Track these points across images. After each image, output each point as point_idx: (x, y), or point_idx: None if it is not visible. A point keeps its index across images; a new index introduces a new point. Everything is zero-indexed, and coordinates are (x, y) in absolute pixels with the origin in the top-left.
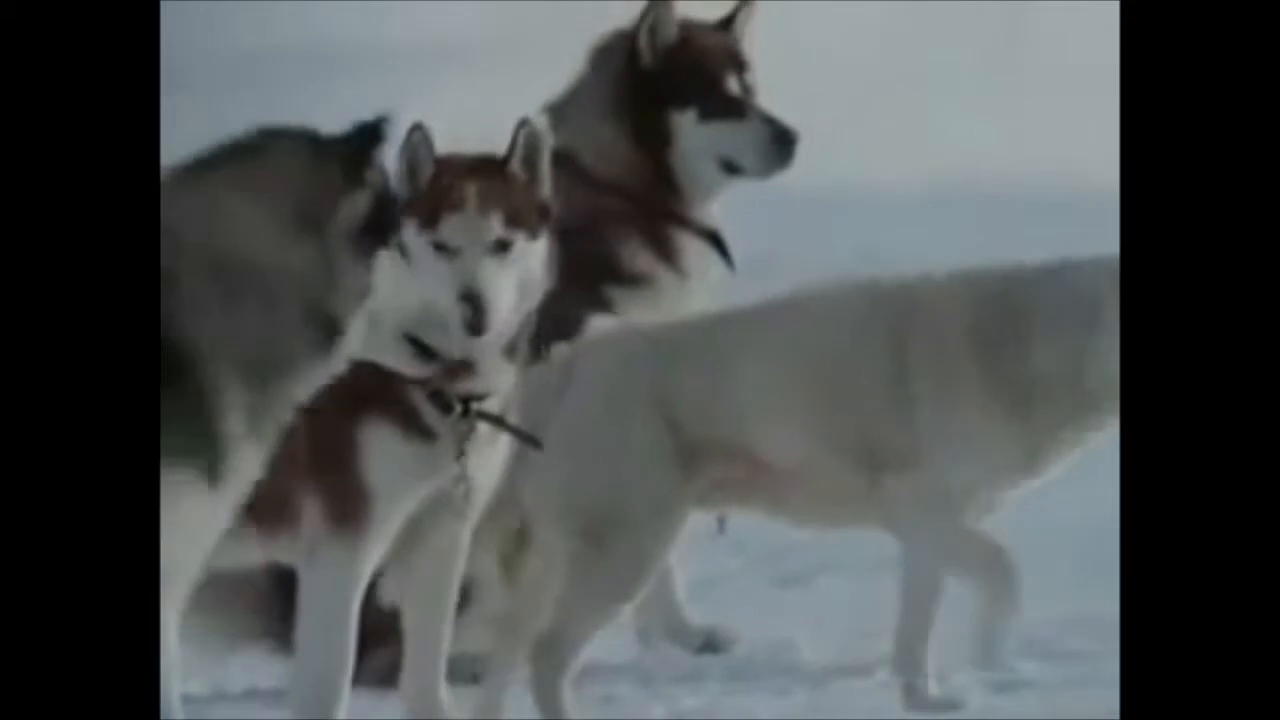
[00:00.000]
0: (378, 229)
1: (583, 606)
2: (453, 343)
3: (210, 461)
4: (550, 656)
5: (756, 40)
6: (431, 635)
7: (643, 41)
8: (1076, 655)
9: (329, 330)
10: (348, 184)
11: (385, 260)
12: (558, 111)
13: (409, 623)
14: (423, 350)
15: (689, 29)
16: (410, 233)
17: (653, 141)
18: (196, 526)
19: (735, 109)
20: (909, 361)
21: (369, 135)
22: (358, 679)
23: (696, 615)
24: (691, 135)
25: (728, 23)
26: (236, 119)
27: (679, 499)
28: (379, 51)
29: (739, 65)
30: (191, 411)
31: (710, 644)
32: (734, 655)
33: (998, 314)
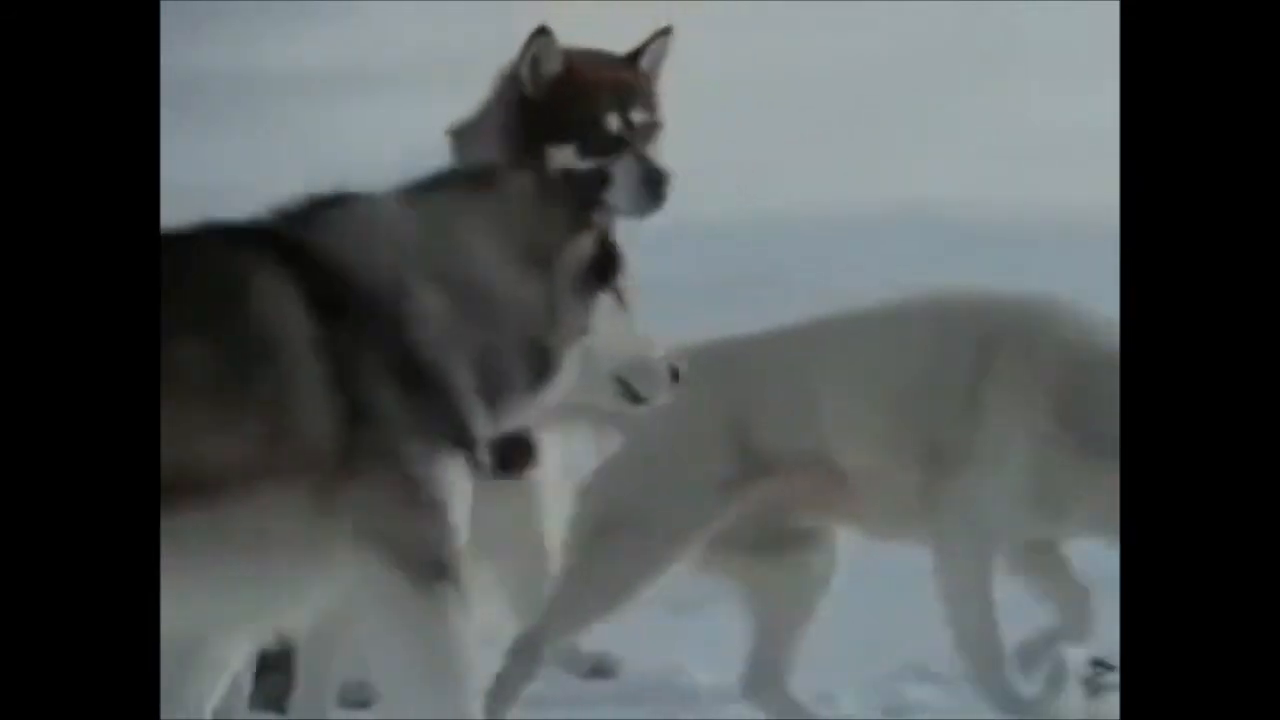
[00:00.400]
0: (601, 271)
1: (569, 604)
2: (659, 389)
3: (470, 455)
4: (526, 656)
5: (671, 72)
6: (323, 661)
7: (524, 73)
8: (966, 679)
9: (544, 365)
10: (574, 225)
11: (605, 302)
12: (459, 135)
13: (302, 648)
14: (631, 394)
15: (576, 61)
16: None
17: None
18: (465, 508)
19: (611, 147)
20: (986, 383)
21: (596, 178)
22: (250, 702)
23: (586, 640)
24: (569, 170)
25: (635, 55)
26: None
27: (700, 527)
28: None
29: (625, 101)
30: (448, 410)
31: (600, 669)
32: (625, 680)
33: (1082, 387)
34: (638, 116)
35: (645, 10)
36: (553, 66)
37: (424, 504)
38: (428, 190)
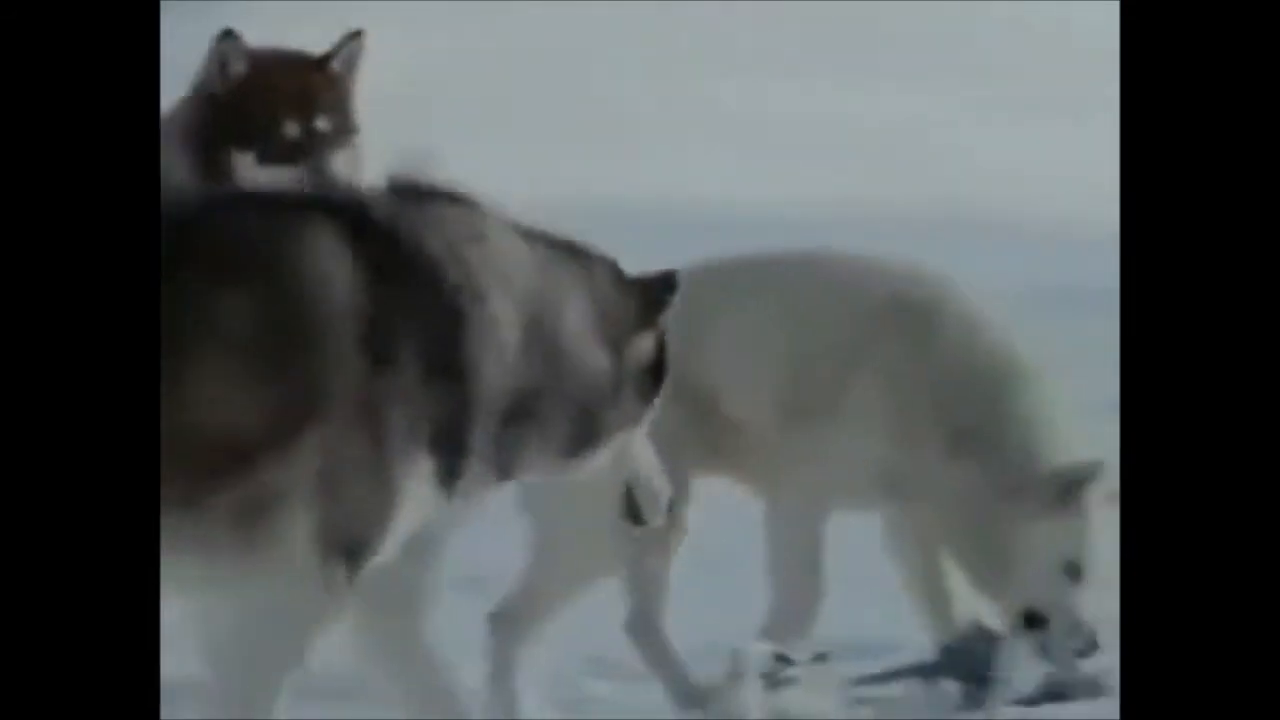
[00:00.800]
0: (658, 374)
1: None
2: (657, 514)
3: (448, 466)
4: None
5: (368, 75)
6: None
7: (212, 74)
8: (641, 675)
9: (590, 437)
10: (641, 322)
11: (657, 407)
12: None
13: None
14: (632, 508)
15: (261, 64)
16: None
17: (218, 177)
18: (413, 517)
19: (288, 155)
20: (869, 356)
21: (665, 284)
22: None
23: None
24: (248, 177)
25: (325, 59)
26: None
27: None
28: None
29: (308, 107)
30: (451, 416)
31: None
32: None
33: (962, 383)
34: (322, 124)
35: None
36: (239, 68)
37: (372, 491)
38: (538, 238)
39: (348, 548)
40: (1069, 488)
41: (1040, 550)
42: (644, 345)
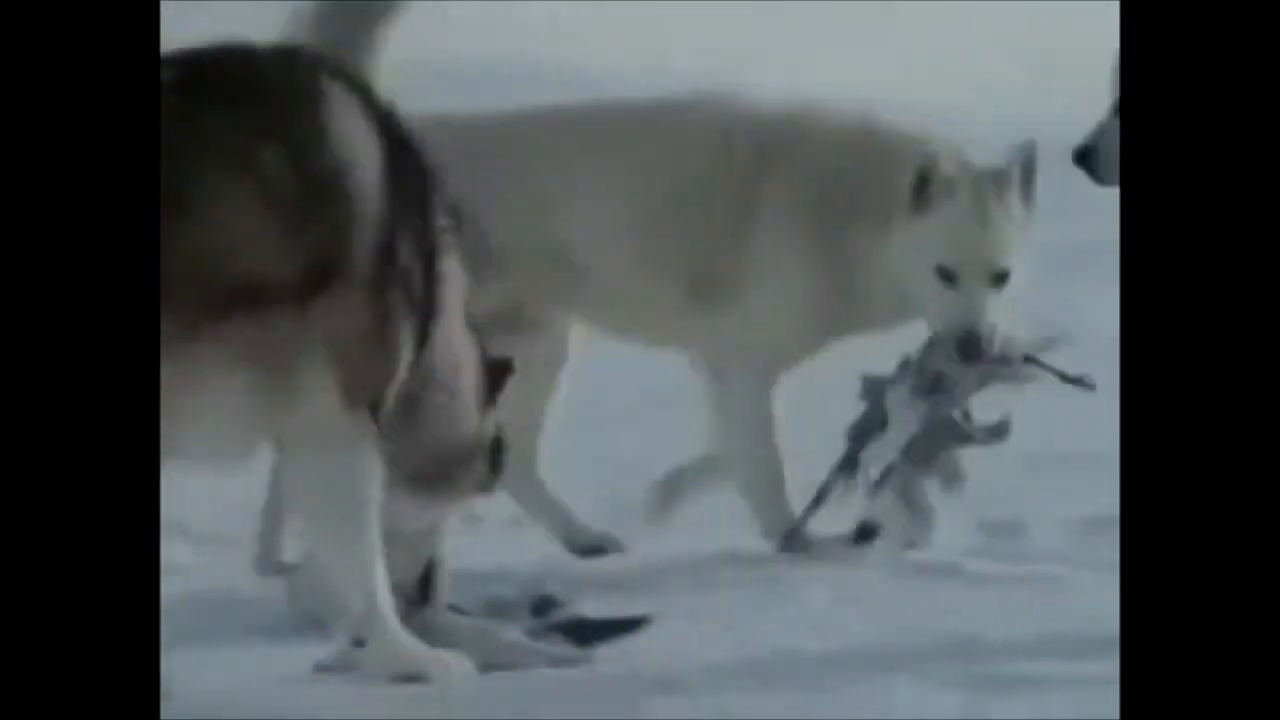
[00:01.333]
0: (499, 455)
1: None
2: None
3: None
4: None
5: None
6: None
7: None
8: (223, 539)
9: (426, 485)
10: (489, 400)
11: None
12: None
13: None
14: (424, 587)
15: None
16: None
17: None
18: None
19: None
20: (758, 206)
21: (506, 367)
22: None
23: None
24: None
25: None
26: None
27: None
28: None
29: None
30: (426, 292)
31: None
32: None
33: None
34: None
35: None
36: None
37: (385, 343)
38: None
39: (369, 400)
40: (916, 186)
41: (907, 256)
42: (490, 424)
